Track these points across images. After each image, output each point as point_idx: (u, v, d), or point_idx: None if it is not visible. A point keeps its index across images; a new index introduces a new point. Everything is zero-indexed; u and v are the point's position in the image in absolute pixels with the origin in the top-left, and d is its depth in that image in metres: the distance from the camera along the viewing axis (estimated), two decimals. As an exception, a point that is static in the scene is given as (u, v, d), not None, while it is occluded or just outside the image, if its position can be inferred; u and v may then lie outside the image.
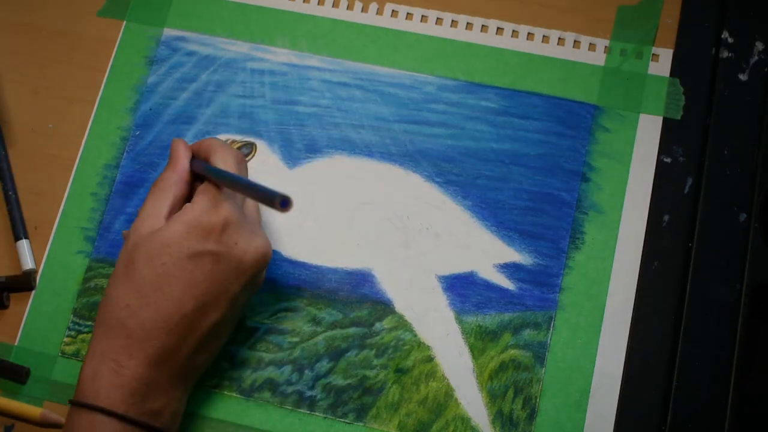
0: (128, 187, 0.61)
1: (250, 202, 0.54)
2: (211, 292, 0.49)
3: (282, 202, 0.44)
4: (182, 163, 0.53)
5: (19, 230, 0.60)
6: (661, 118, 0.59)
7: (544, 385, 0.55)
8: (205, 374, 0.56)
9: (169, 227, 0.50)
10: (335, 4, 0.63)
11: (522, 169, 0.59)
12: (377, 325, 0.57)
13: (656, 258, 0.56)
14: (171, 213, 0.52)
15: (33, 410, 0.56)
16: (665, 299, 0.55)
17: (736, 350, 0.54)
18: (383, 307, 0.57)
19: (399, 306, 0.57)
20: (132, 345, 0.48)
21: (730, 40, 0.60)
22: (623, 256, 0.56)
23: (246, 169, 0.55)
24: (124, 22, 0.65)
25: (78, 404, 0.48)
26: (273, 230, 0.59)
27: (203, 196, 0.50)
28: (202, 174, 0.53)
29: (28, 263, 0.59)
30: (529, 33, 0.61)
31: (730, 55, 0.59)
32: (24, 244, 0.60)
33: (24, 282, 0.59)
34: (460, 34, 0.62)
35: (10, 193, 0.61)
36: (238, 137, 0.61)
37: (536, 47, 0.61)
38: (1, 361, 0.57)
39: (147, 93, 0.63)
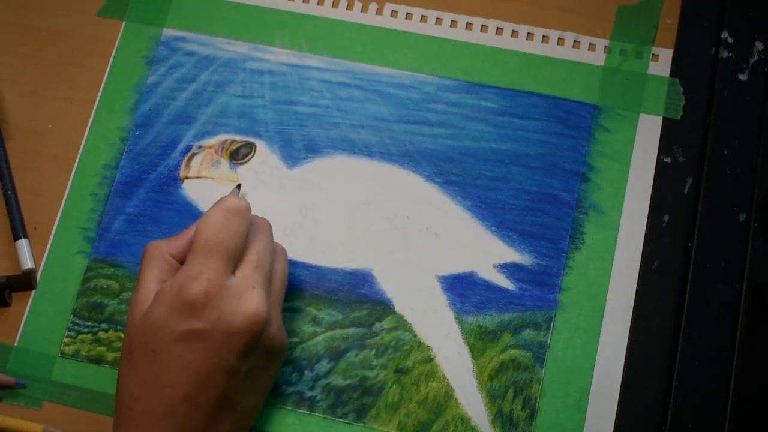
0: (127, 188, 0.61)
1: (248, 259, 0.51)
2: (206, 369, 0.48)
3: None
4: (182, 239, 0.53)
5: (18, 230, 0.60)
6: (660, 118, 0.59)
7: (544, 385, 0.55)
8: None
9: (153, 310, 0.49)
10: (335, 4, 0.63)
11: (522, 169, 0.59)
12: (377, 326, 0.56)
13: (656, 258, 0.56)
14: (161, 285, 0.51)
15: (35, 427, 0.56)
16: (665, 299, 0.55)
17: (736, 350, 0.54)
18: (383, 307, 0.57)
19: (399, 306, 0.57)
20: None
21: (730, 40, 0.59)
22: (623, 256, 0.56)
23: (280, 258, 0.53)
24: (124, 22, 0.64)
25: None
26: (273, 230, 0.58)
27: (184, 266, 0.49)
28: None
29: (27, 263, 0.59)
30: (528, 33, 0.61)
31: (730, 55, 0.59)
32: (23, 244, 0.60)
33: (24, 281, 0.59)
34: (459, 34, 0.62)
35: (9, 192, 0.61)
36: (237, 137, 0.61)
37: (536, 47, 0.61)
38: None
39: (146, 93, 0.63)
